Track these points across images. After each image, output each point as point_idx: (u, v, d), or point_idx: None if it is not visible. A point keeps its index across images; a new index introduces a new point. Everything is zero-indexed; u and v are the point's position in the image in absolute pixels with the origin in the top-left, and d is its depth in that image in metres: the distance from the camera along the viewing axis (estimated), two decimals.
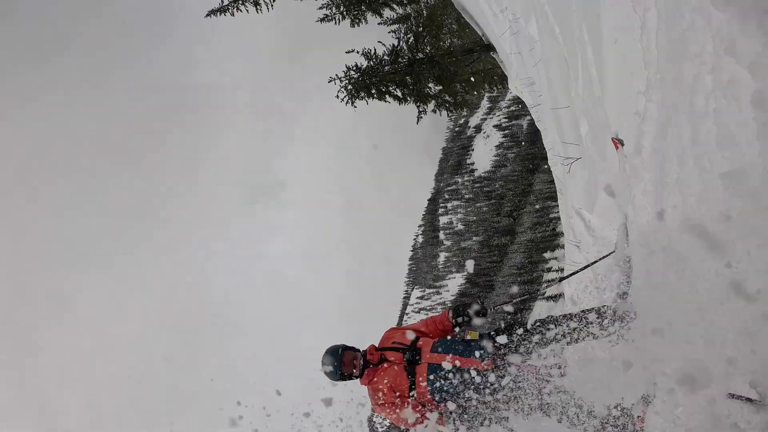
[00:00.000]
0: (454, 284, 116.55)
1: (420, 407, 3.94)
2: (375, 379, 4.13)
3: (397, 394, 3.99)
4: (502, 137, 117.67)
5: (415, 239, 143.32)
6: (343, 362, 4.20)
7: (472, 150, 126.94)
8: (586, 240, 8.09)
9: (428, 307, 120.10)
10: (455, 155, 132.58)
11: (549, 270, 64.30)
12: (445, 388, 3.89)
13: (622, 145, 4.08)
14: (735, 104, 1.74)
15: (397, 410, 3.96)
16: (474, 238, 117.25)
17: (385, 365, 4.10)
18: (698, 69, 1.94)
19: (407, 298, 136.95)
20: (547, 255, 67.14)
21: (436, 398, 3.95)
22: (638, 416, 3.42)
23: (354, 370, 4.21)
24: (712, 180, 2.05)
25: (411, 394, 3.94)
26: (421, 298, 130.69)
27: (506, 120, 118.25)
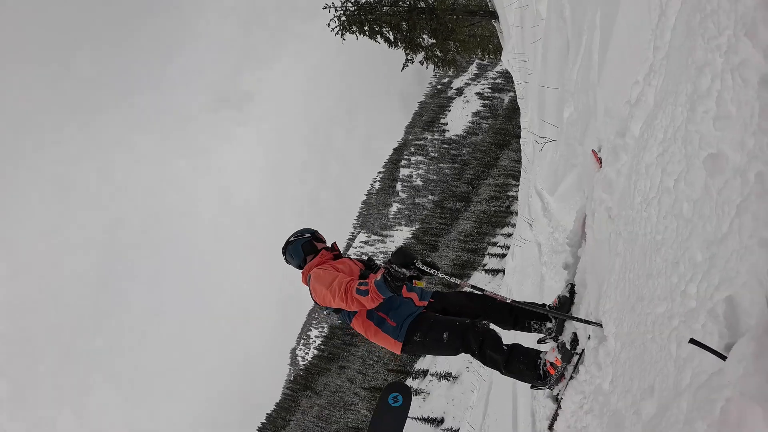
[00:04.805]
0: (400, 236, 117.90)
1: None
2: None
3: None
4: (481, 106, 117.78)
5: (372, 184, 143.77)
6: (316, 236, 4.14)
7: (449, 111, 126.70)
8: (540, 220, 8.25)
9: (371, 253, 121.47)
10: (431, 112, 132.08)
11: (494, 244, 65.66)
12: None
13: (602, 163, 3.98)
14: (741, 84, 1.79)
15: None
16: (429, 197, 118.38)
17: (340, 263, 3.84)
18: (711, 52, 1.99)
19: (352, 239, 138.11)
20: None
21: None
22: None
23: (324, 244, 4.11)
24: (694, 163, 2.06)
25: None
26: (366, 242, 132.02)
27: (489, 90, 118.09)
